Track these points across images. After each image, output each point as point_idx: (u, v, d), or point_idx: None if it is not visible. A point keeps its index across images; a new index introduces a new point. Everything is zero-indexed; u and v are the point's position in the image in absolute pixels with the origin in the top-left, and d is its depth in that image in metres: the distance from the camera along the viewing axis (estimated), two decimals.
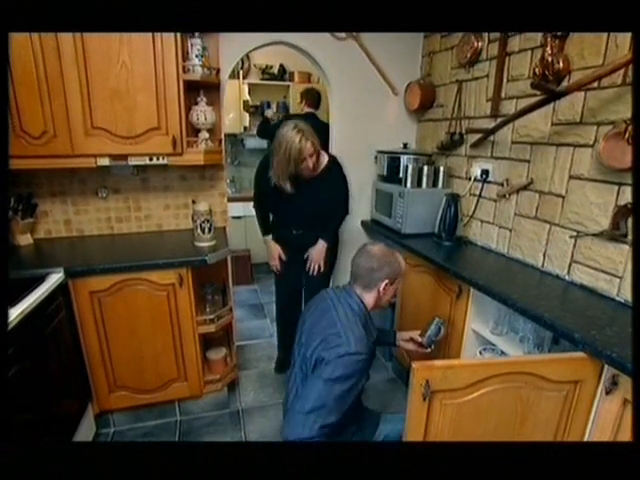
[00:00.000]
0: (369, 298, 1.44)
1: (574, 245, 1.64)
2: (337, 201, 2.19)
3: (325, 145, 2.68)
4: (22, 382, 1.36)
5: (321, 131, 2.83)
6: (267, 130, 3.43)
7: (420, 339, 1.68)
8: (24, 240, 2.08)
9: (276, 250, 2.26)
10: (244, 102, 4.04)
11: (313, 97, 3.36)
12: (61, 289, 1.68)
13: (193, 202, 2.11)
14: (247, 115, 4.14)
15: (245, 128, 4.15)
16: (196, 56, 1.98)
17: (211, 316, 2.00)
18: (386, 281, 1.43)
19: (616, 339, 1.18)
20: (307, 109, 3.37)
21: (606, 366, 1.16)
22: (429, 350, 1.67)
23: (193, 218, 2.01)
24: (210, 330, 2.00)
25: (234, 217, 3.62)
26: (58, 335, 1.65)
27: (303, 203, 2.09)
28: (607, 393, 1.16)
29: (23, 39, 1.66)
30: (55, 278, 1.64)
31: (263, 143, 4.12)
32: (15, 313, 1.33)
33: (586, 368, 1.20)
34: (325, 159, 2.11)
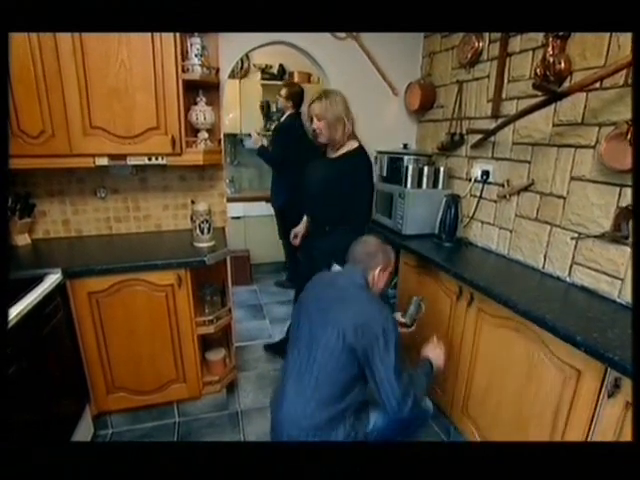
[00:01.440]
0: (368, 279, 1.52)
1: (575, 247, 1.63)
2: (356, 195, 1.98)
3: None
4: (19, 383, 1.35)
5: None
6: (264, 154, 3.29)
7: (403, 319, 1.75)
8: (22, 240, 2.07)
9: (301, 227, 2.36)
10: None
11: (300, 97, 3.22)
12: (59, 290, 1.67)
13: (192, 202, 2.09)
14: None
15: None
16: (195, 55, 1.97)
17: (210, 317, 1.99)
18: (380, 267, 1.52)
19: (618, 342, 1.17)
20: (292, 110, 3.22)
21: (608, 369, 1.15)
22: (413, 328, 1.74)
23: (192, 218, 2.00)
24: (209, 331, 1.99)
25: (233, 217, 3.61)
26: (56, 336, 1.63)
27: (316, 179, 2.08)
28: (609, 396, 1.15)
29: (21, 38, 1.65)
30: (53, 279, 1.63)
31: (263, 142, 4.10)
32: (13, 313, 1.32)
33: (587, 364, 1.21)
34: (354, 145, 2.02)
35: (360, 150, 2.03)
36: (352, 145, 2.02)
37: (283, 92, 3.21)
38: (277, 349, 2.65)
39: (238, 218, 3.80)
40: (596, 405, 1.21)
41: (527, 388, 1.47)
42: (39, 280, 1.60)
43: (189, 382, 2.01)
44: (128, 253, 1.99)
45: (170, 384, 1.99)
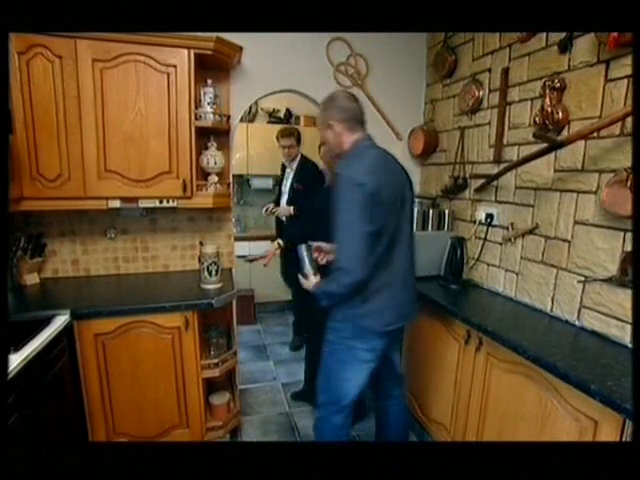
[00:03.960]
0: None
1: (583, 290, 1.63)
2: None
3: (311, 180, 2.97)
4: (21, 431, 1.31)
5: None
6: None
7: (311, 276, 1.65)
8: (31, 279, 2.08)
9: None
10: None
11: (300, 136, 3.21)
12: (66, 331, 1.66)
13: (201, 244, 2.12)
14: None
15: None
16: (208, 104, 2.07)
17: (215, 360, 1.96)
18: None
19: None
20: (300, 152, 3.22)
21: (627, 420, 1.12)
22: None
23: (200, 260, 2.02)
24: (214, 375, 1.96)
25: (239, 256, 3.62)
26: (60, 380, 1.61)
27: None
28: None
29: (47, 88, 1.75)
30: (61, 320, 1.63)
31: (269, 183, 4.22)
32: (19, 358, 1.31)
33: (604, 414, 1.18)
34: None
35: None
36: None
37: (290, 141, 3.10)
38: (303, 396, 2.59)
39: (243, 257, 3.81)
40: None
41: (541, 438, 1.42)
42: (47, 322, 1.60)
43: (192, 428, 1.96)
44: (135, 294, 2.00)
45: (172, 430, 1.94)
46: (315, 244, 1.72)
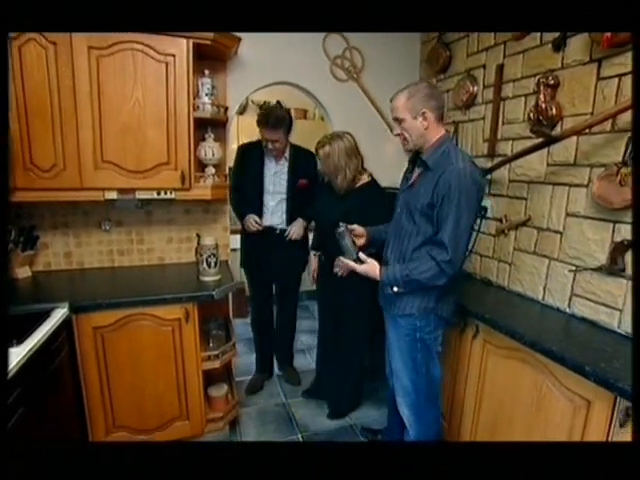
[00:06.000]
0: None
1: (574, 279, 1.70)
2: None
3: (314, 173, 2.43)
4: (24, 427, 1.28)
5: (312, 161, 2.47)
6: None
7: (349, 260, 1.57)
8: (23, 273, 2.03)
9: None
10: None
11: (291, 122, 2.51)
12: (65, 324, 1.63)
13: (198, 236, 2.11)
14: None
15: None
16: (206, 95, 2.05)
17: (216, 352, 1.96)
18: None
19: (625, 372, 1.21)
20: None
21: (618, 398, 1.19)
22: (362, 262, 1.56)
23: (199, 252, 2.01)
24: (214, 366, 1.96)
25: (231, 249, 3.61)
26: (59, 373, 1.58)
27: (330, 215, 2.02)
28: (621, 426, 1.19)
29: (41, 76, 1.70)
30: (60, 313, 1.60)
31: None
32: (23, 352, 1.29)
33: (597, 393, 1.25)
34: (365, 179, 2.10)
35: (371, 183, 2.10)
36: (363, 180, 2.09)
37: (276, 135, 2.29)
38: (318, 393, 2.56)
39: (234, 250, 3.80)
40: (608, 435, 1.24)
41: (536, 419, 1.49)
42: (46, 315, 1.57)
43: (192, 419, 1.96)
44: (132, 287, 1.98)
45: (172, 422, 1.94)
46: (351, 227, 1.65)
